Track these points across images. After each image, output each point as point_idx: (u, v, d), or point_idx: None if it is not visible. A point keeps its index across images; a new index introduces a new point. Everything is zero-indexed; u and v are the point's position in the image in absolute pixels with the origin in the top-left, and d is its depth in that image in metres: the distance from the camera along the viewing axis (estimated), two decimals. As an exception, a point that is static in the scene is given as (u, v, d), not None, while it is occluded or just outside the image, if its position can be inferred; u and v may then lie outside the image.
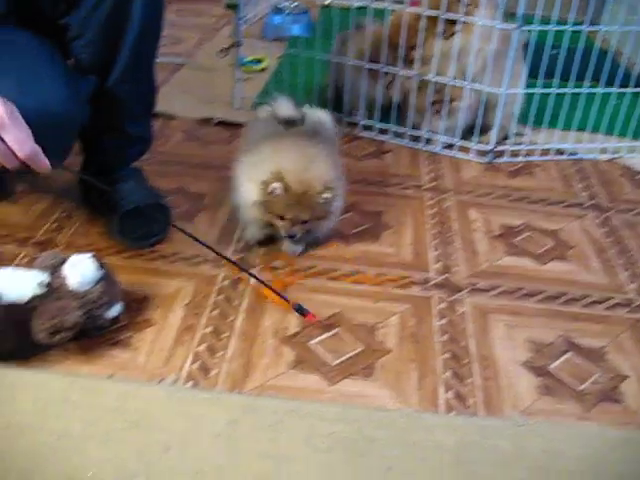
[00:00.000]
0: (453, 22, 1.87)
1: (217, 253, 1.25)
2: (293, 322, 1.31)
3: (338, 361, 1.22)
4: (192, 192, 1.74)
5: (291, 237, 1.44)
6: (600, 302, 1.43)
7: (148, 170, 1.66)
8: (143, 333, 1.27)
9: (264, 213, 1.43)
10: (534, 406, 1.16)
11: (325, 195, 1.39)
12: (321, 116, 1.63)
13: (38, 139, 1.12)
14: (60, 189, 1.73)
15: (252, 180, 1.43)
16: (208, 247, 1.24)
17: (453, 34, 1.88)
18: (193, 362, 1.21)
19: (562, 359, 1.27)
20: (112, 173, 1.57)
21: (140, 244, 1.51)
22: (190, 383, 1.16)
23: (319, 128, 1.55)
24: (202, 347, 1.24)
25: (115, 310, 1.27)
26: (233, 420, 1.09)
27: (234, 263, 1.15)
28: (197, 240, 1.17)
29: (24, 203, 1.67)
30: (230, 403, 1.12)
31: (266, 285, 1.35)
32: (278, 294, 1.32)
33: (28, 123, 1.11)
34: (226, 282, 1.41)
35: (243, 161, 1.49)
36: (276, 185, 1.37)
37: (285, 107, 1.56)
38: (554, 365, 1.25)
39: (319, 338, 1.27)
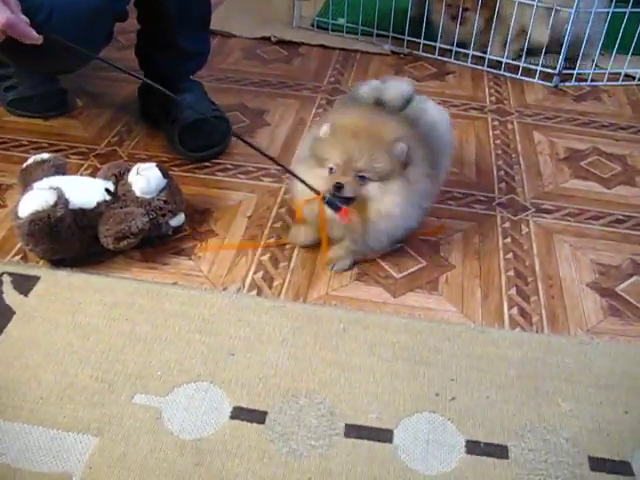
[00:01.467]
0: None
1: (275, 162, 1.16)
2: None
3: (402, 274, 1.22)
4: (252, 108, 1.73)
5: (338, 189, 1.09)
6: (670, 226, 1.39)
7: (207, 87, 1.65)
8: (206, 243, 1.28)
9: (312, 164, 1.16)
10: (600, 326, 1.14)
11: (402, 145, 1.10)
12: (436, 113, 1.30)
13: (66, 25, 1.15)
14: (120, 103, 1.73)
15: (308, 138, 1.25)
16: (267, 156, 1.16)
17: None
18: (256, 272, 1.21)
19: (629, 282, 1.24)
20: (170, 86, 1.55)
21: (200, 156, 1.51)
22: (254, 292, 1.17)
23: (424, 123, 1.23)
24: (265, 257, 1.25)
25: (179, 219, 1.28)
26: (297, 328, 1.09)
27: (293, 174, 1.11)
28: (256, 148, 1.13)
29: (86, 117, 1.67)
30: (294, 312, 1.12)
31: (301, 180, 1.14)
32: (309, 187, 1.12)
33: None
34: (288, 195, 1.40)
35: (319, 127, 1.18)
36: (326, 128, 1.13)
37: (395, 91, 1.23)
38: (620, 287, 1.23)
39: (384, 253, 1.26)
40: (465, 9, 1.93)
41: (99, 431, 0.93)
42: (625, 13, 1.85)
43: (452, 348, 1.07)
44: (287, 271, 1.21)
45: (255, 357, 1.04)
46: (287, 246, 1.27)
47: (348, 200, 1.11)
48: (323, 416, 0.96)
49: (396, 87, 1.24)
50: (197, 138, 1.50)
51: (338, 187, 1.09)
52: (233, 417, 0.96)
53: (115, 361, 1.03)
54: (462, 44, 2.02)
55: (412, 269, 1.23)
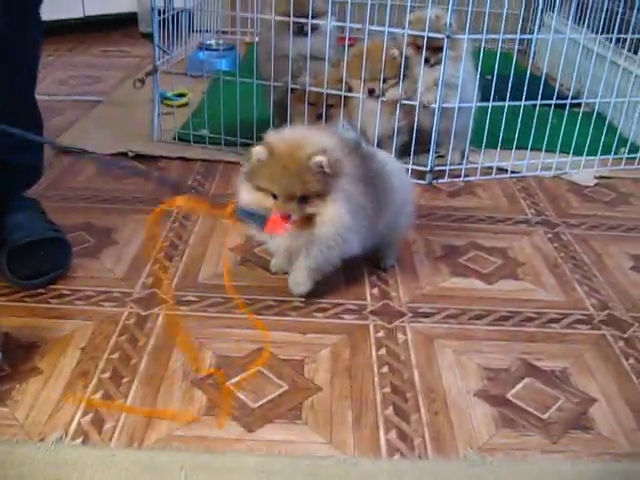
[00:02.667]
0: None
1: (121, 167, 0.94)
2: (206, 362, 1.11)
3: (259, 403, 1.03)
4: (100, 227, 1.55)
5: (285, 218, 1.14)
6: (558, 320, 1.27)
7: (52, 207, 1.48)
8: (27, 384, 1.06)
9: (254, 192, 1.18)
10: (492, 441, 0.98)
11: (317, 159, 1.11)
12: (391, 162, 1.37)
13: None
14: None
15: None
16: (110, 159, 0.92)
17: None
18: (85, 414, 1.00)
19: (520, 385, 1.10)
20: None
21: (31, 283, 1.31)
22: (79, 440, 0.95)
23: (380, 166, 1.28)
24: (97, 395, 1.04)
25: (-8, 358, 1.06)
26: (128, 482, 0.88)
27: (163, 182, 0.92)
28: (87, 152, 0.91)
29: None
30: (125, 461, 0.91)
31: (203, 199, 1.22)
32: (215, 203, 1.18)
33: None
34: (131, 320, 1.21)
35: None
36: (259, 149, 1.14)
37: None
38: (512, 393, 1.08)
39: (237, 378, 1.08)
40: (330, 105, 1.84)
41: None
42: (488, 108, 1.82)
43: (318, 489, 0.88)
44: (121, 413, 1.01)
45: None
46: (124, 379, 1.07)
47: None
48: None
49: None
50: (28, 263, 1.31)
51: (286, 217, 1.14)
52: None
53: None
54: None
55: (271, 395, 1.05)
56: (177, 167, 1.92)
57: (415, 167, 1.85)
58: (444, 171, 1.88)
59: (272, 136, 1.18)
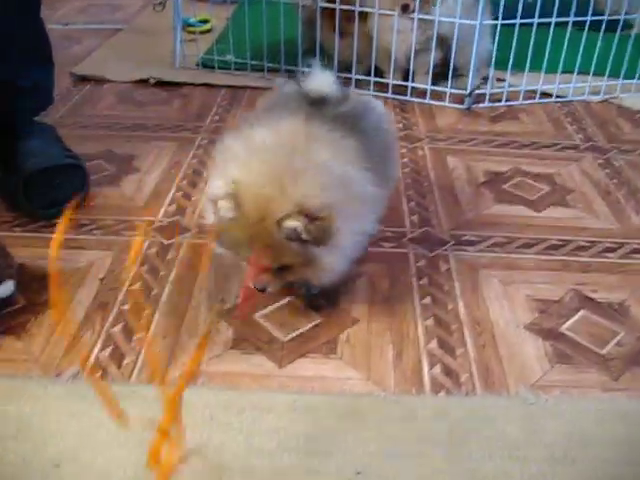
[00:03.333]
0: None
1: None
2: (233, 293, 1.03)
3: (290, 336, 0.95)
4: (120, 154, 1.47)
5: (261, 291, 0.90)
6: (613, 249, 1.17)
7: (70, 135, 1.41)
8: (43, 316, 0.99)
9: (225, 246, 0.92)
10: (547, 378, 0.90)
11: (289, 224, 0.82)
12: (375, 106, 1.12)
13: None
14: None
15: (216, 179, 0.90)
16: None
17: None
18: (103, 348, 0.93)
19: (575, 318, 1.01)
20: (14, 131, 1.29)
21: (49, 213, 1.23)
22: (98, 375, 0.88)
23: (365, 119, 1.02)
24: (116, 328, 0.97)
25: (5, 289, 0.99)
26: (149, 420, 0.81)
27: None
28: None
29: None
30: (146, 398, 0.84)
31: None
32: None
33: None
34: (153, 249, 1.13)
35: (224, 144, 0.95)
36: (224, 204, 0.85)
37: (321, 80, 1.02)
38: (566, 326, 0.99)
39: (266, 310, 1.00)
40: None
41: None
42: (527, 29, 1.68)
43: (357, 429, 0.80)
44: (143, 344, 0.93)
45: (88, 468, 0.76)
46: (145, 311, 1.00)
47: None
48: None
49: (323, 76, 1.03)
50: (45, 192, 1.23)
51: (261, 290, 0.90)
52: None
53: None
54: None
55: (303, 328, 0.96)
56: (201, 94, 1.82)
57: (453, 91, 1.73)
58: (484, 95, 1.75)
59: (240, 177, 0.85)
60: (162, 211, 1.25)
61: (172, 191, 1.32)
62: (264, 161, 0.87)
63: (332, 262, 0.88)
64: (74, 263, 1.11)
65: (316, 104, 0.98)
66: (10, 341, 0.95)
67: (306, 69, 1.06)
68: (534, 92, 1.78)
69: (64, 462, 0.76)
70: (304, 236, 0.82)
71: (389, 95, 1.78)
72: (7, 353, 0.93)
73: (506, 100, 1.77)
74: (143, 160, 1.44)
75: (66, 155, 1.29)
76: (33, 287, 1.05)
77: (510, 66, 1.75)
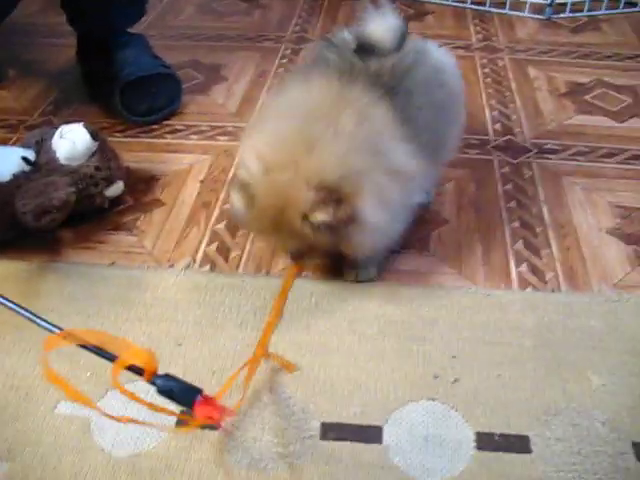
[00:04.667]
0: None
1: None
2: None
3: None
4: (207, 64, 1.52)
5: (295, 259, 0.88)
6: (698, 162, 1.18)
7: (156, 45, 1.44)
8: (151, 214, 1.07)
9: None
10: (628, 278, 0.94)
11: (317, 218, 0.75)
12: (433, 56, 0.94)
13: None
14: (58, 70, 1.53)
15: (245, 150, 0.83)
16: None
17: None
18: (210, 243, 1.01)
19: (659, 226, 1.04)
20: (107, 42, 1.35)
21: (147, 120, 1.30)
22: (207, 267, 0.96)
23: (415, 73, 0.86)
24: (221, 225, 1.04)
25: (116, 189, 1.08)
26: (259, 307, 0.89)
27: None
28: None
29: (17, 87, 1.47)
30: (255, 287, 0.92)
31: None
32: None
33: None
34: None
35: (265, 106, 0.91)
36: (235, 197, 0.80)
37: (377, 25, 0.88)
38: (648, 232, 1.03)
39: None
40: None
41: (10, 454, 0.73)
42: None
43: (451, 318, 0.87)
44: (246, 240, 1.01)
45: (207, 346, 0.84)
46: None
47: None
48: (293, 415, 0.76)
49: (382, 21, 0.88)
50: (141, 99, 1.29)
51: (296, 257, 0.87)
52: (179, 424, 0.75)
53: (35, 363, 0.82)
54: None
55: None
56: (279, 4, 1.84)
57: (533, 0, 1.71)
58: (565, 4, 1.73)
59: (251, 162, 0.78)
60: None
61: (261, 99, 1.36)
62: (282, 138, 0.78)
63: (365, 239, 0.80)
64: (175, 165, 1.18)
65: (361, 55, 0.86)
66: (123, 236, 1.03)
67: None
68: (618, 1, 1.74)
69: (185, 341, 0.85)
70: (332, 224, 0.75)
71: (468, 5, 1.78)
72: (123, 246, 1.01)
73: (588, 10, 1.74)
74: (230, 69, 1.49)
75: (159, 64, 1.35)
76: (139, 188, 1.13)
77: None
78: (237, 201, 0.79)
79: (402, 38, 0.87)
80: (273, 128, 0.81)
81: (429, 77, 0.88)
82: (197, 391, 0.69)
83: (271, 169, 0.76)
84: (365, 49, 0.85)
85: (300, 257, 0.86)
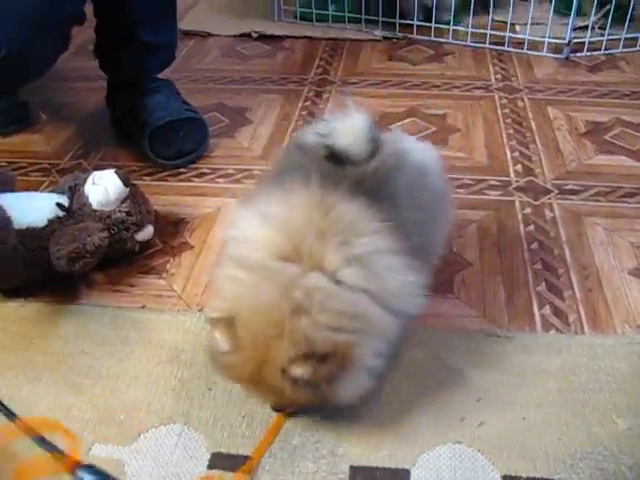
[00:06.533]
0: None
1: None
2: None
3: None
4: (232, 107, 1.56)
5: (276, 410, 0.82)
6: None
7: (183, 89, 1.49)
8: (180, 258, 1.10)
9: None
10: (651, 320, 0.95)
11: (295, 372, 0.67)
12: (415, 156, 0.87)
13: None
14: (88, 113, 1.57)
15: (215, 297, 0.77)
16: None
17: None
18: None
19: (679, 262, 1.05)
20: (138, 87, 1.39)
21: (174, 163, 1.34)
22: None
23: (397, 178, 0.80)
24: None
25: (146, 233, 1.11)
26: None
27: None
28: None
29: (49, 130, 1.51)
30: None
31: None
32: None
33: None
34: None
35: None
36: (218, 337, 0.70)
37: (348, 133, 0.80)
38: (670, 271, 1.04)
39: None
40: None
41: (47, 496, 0.75)
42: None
43: (475, 361, 0.88)
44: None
45: (237, 390, 0.86)
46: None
47: None
48: (323, 458, 0.77)
49: (350, 130, 0.80)
50: (169, 143, 1.33)
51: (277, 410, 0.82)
52: (212, 466, 0.77)
53: (70, 405, 0.85)
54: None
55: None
56: (302, 46, 1.89)
57: (551, 40, 1.74)
58: (583, 43, 1.76)
59: (236, 298, 0.71)
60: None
61: (285, 141, 1.40)
62: (261, 271, 0.70)
63: (351, 390, 0.72)
64: (202, 209, 1.21)
65: (335, 161, 0.79)
66: (153, 279, 1.06)
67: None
68: (635, 40, 1.77)
69: (215, 385, 0.87)
70: (314, 380, 0.67)
71: (487, 45, 1.81)
72: (152, 290, 1.04)
73: (605, 48, 1.77)
74: (254, 112, 1.53)
75: (186, 109, 1.39)
76: (168, 231, 1.16)
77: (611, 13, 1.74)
78: (220, 340, 0.70)
79: (375, 145, 0.80)
80: (253, 261, 0.72)
81: (413, 179, 0.82)
82: None
83: (255, 312, 0.69)
84: (337, 158, 0.79)
85: (281, 409, 0.81)
